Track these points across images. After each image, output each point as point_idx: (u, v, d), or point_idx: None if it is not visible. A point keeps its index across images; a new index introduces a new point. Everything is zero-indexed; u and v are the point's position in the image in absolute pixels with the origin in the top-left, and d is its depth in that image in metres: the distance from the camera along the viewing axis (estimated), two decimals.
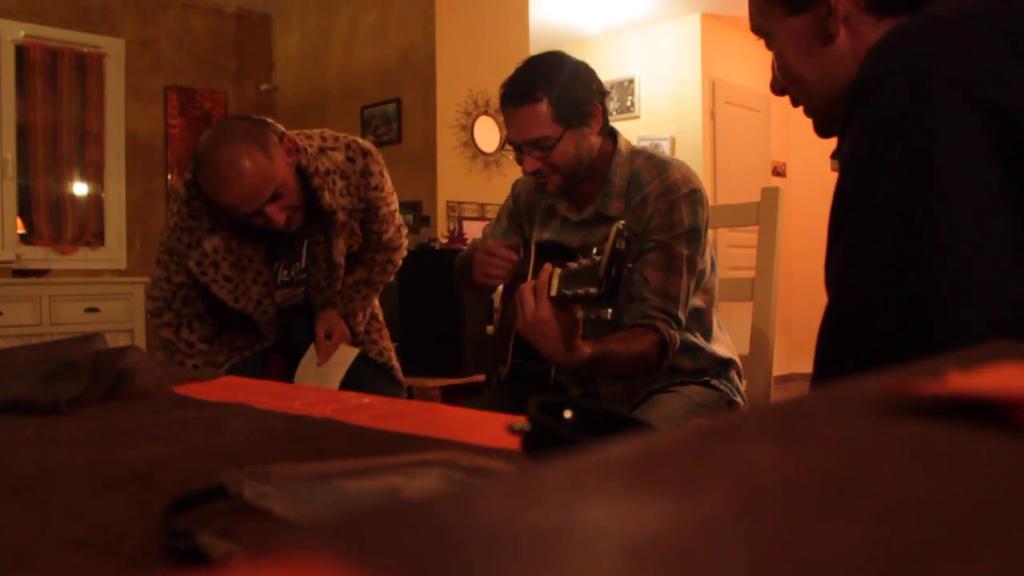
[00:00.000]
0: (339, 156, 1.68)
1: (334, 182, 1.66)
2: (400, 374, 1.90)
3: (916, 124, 0.63)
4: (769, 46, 0.90)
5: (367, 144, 1.76)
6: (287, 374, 1.78)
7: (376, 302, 1.94)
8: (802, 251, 5.67)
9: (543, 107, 1.36)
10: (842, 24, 0.80)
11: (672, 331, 1.35)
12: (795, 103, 0.91)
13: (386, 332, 1.93)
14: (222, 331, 1.78)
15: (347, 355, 1.74)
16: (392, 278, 1.92)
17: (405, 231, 1.91)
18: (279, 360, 1.84)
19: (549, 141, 1.37)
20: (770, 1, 0.86)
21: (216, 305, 1.72)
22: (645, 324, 1.35)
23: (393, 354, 1.91)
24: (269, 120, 1.61)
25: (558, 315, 1.13)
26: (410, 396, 2.85)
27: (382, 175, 1.75)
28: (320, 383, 1.69)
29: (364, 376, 1.76)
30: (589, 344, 1.22)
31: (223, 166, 1.47)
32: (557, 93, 1.36)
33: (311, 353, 1.75)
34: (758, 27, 0.90)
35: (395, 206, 1.83)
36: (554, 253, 1.47)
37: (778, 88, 0.92)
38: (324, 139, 1.69)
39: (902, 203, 0.65)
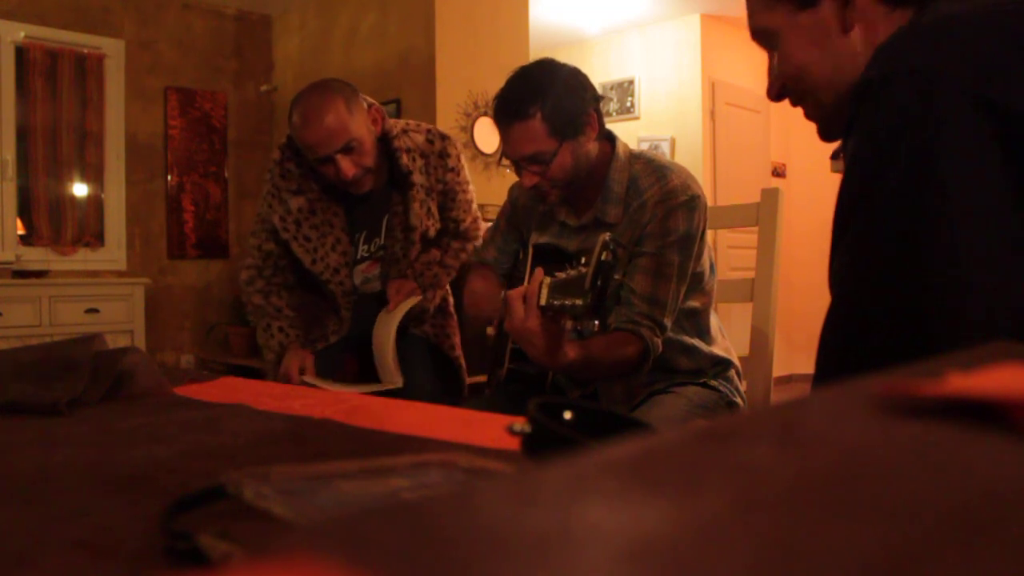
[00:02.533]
0: (420, 138, 1.84)
1: (413, 160, 1.80)
2: (465, 374, 1.96)
3: (921, 125, 0.63)
4: (770, 46, 0.88)
5: (446, 131, 1.90)
6: (360, 374, 1.85)
7: (451, 299, 2.00)
8: (802, 252, 5.67)
9: (536, 123, 1.34)
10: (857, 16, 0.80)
11: (656, 338, 1.36)
12: (797, 103, 0.89)
13: (458, 331, 1.99)
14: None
15: (407, 302, 1.80)
16: None
17: (482, 224, 1.98)
18: (354, 361, 1.91)
19: (545, 156, 1.36)
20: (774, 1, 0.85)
21: (299, 276, 1.86)
22: (630, 329, 1.35)
23: (461, 352, 1.97)
24: (364, 95, 1.78)
25: (546, 325, 1.14)
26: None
27: (459, 160, 1.87)
28: (382, 329, 1.77)
29: (430, 375, 1.84)
30: (574, 348, 1.23)
31: (309, 108, 1.67)
32: (550, 108, 1.33)
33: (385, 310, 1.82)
34: (762, 27, 0.88)
35: (472, 196, 1.93)
36: (552, 257, 1.47)
37: (775, 93, 0.90)
38: (408, 123, 1.87)
39: (905, 204, 0.65)
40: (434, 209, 1.84)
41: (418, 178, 1.79)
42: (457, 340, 1.96)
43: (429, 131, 1.86)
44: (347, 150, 1.67)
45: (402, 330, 1.79)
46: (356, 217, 1.85)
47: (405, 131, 1.82)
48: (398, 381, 1.73)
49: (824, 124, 0.87)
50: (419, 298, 1.81)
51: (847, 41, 0.80)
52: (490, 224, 1.76)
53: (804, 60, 0.84)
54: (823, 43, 0.82)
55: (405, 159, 1.77)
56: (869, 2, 0.79)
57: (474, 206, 1.94)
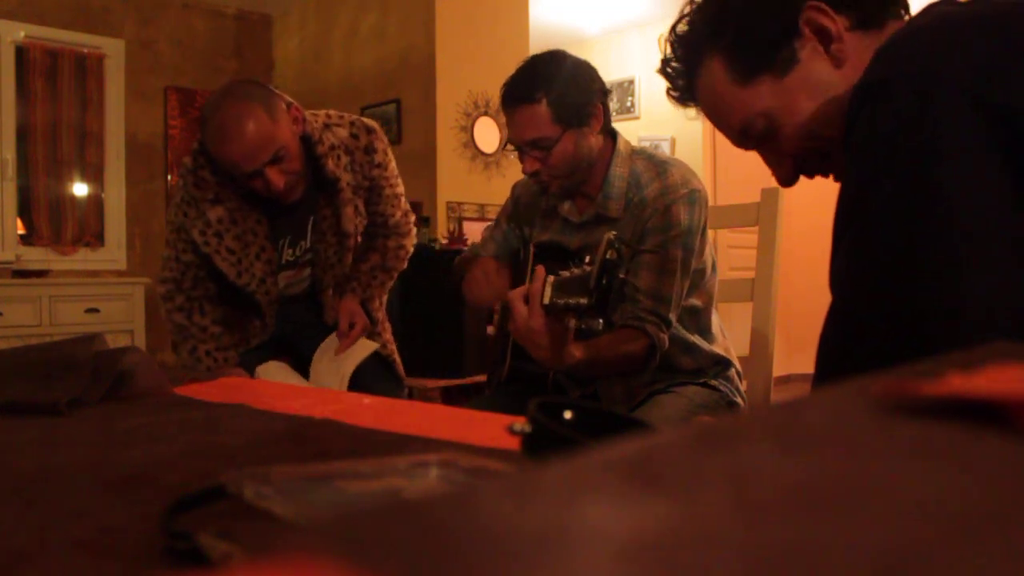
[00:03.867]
0: (343, 132, 1.70)
1: (338, 157, 1.67)
2: (401, 369, 1.90)
3: (919, 127, 0.63)
4: (769, 131, 0.83)
5: (371, 122, 1.77)
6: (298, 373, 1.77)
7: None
8: (802, 252, 5.66)
9: (542, 108, 1.35)
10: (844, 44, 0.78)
11: (661, 334, 1.37)
12: (823, 166, 0.85)
13: (388, 326, 1.93)
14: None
15: (364, 348, 1.74)
16: (405, 265, 1.92)
17: (413, 218, 1.90)
18: (290, 361, 1.83)
19: (548, 142, 1.36)
20: (754, 79, 0.82)
21: (220, 288, 1.73)
22: (635, 326, 1.35)
23: (394, 348, 1.91)
24: (277, 90, 1.63)
25: (550, 324, 1.14)
26: (410, 396, 2.85)
27: (386, 154, 1.76)
28: (334, 370, 1.69)
29: (366, 370, 1.75)
30: (580, 348, 1.23)
31: (227, 122, 1.49)
32: (556, 94, 1.35)
33: (330, 341, 1.75)
34: (754, 115, 0.83)
35: (400, 190, 1.83)
36: (554, 255, 1.47)
37: (791, 173, 0.86)
38: (329, 116, 1.71)
39: (905, 205, 0.64)
40: (361, 207, 1.75)
41: (345, 180, 1.67)
42: (387, 337, 1.89)
43: (353, 123, 1.72)
44: (275, 160, 1.52)
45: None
46: (279, 222, 1.71)
47: (327, 126, 1.68)
48: None
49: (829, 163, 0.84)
50: (375, 347, 1.74)
51: (843, 75, 0.78)
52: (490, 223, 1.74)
53: (812, 115, 0.80)
54: (821, 90, 0.79)
55: (331, 164, 1.64)
56: (848, 35, 0.79)
57: (403, 200, 1.85)
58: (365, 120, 1.76)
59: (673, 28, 0.93)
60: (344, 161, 1.68)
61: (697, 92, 0.91)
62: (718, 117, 0.89)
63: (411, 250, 1.91)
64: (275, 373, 1.70)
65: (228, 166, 1.54)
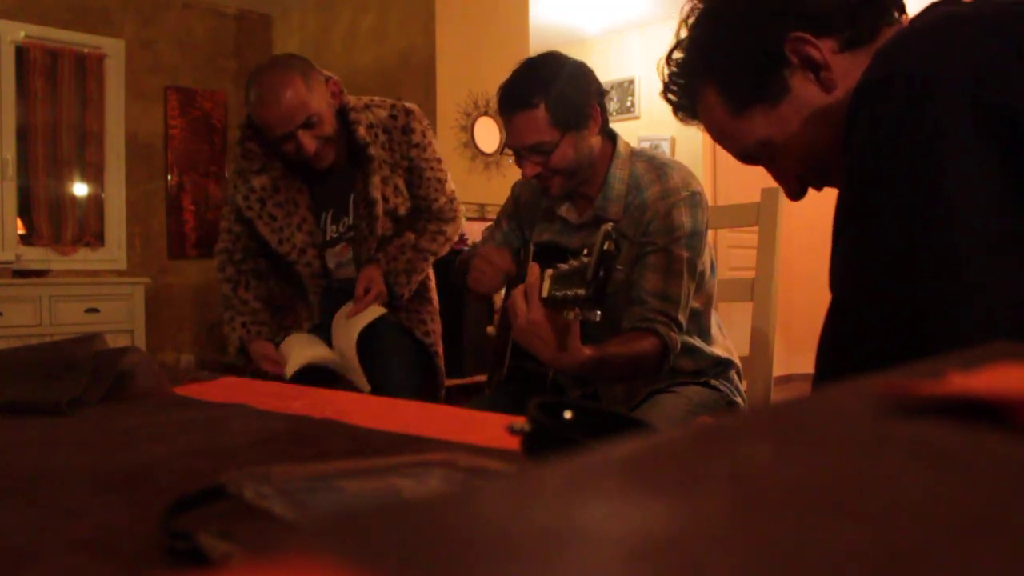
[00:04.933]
0: (383, 113, 1.82)
1: (376, 136, 1.78)
2: (441, 361, 1.91)
3: (920, 127, 0.63)
4: (769, 155, 0.86)
5: (411, 105, 1.86)
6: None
7: (433, 287, 1.95)
8: (802, 251, 5.66)
9: (540, 113, 1.34)
10: (833, 73, 0.79)
11: (673, 333, 1.35)
12: (823, 182, 0.86)
13: (439, 319, 1.93)
14: (273, 309, 1.86)
15: (373, 311, 1.75)
16: (445, 251, 1.91)
17: (460, 207, 1.92)
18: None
19: (547, 146, 1.36)
20: (748, 109, 0.83)
21: (270, 259, 1.82)
22: (645, 327, 1.34)
23: (439, 340, 1.91)
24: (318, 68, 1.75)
25: (551, 316, 1.13)
26: None
27: (424, 135, 1.82)
28: (344, 334, 1.73)
29: (404, 357, 1.79)
30: (589, 347, 1.22)
31: (266, 87, 1.65)
32: (554, 98, 1.34)
33: (347, 306, 1.77)
34: (754, 143, 0.85)
35: (444, 175, 1.87)
36: (553, 255, 1.47)
37: (798, 189, 0.88)
38: (372, 100, 1.84)
39: (904, 205, 0.65)
40: (401, 186, 1.80)
41: (376, 152, 1.76)
42: (434, 327, 1.90)
43: (393, 106, 1.83)
44: (307, 126, 1.66)
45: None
46: (321, 195, 1.82)
47: (368, 106, 1.80)
48: (365, 387, 1.69)
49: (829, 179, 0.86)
50: (383, 311, 1.76)
51: (835, 97, 0.79)
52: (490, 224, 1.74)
53: (809, 140, 0.82)
54: (815, 115, 0.80)
55: (362, 132, 1.74)
56: (835, 59, 0.79)
57: (448, 186, 1.87)
58: (406, 103, 1.85)
59: (669, 55, 0.94)
60: (381, 139, 1.78)
61: (699, 116, 0.93)
62: (720, 141, 0.92)
63: (453, 237, 1.92)
64: (294, 343, 1.75)
65: (265, 129, 1.68)
